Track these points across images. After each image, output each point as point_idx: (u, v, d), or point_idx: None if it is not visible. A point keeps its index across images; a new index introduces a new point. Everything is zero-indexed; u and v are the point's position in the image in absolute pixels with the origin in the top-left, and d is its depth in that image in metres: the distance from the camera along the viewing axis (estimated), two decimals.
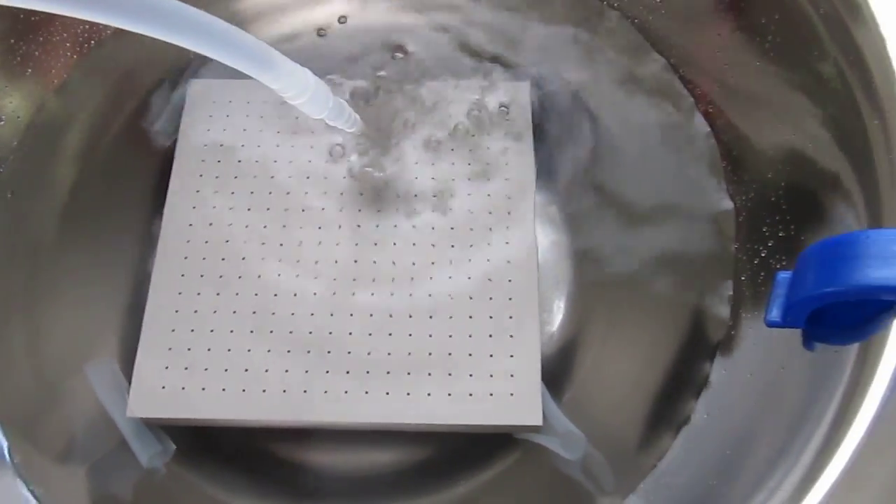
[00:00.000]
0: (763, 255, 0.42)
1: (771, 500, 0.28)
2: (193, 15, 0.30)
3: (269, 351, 0.42)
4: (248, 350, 0.42)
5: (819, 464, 0.26)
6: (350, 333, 0.42)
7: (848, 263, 0.28)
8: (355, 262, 0.44)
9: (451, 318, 0.42)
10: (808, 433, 0.30)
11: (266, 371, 0.41)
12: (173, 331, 0.42)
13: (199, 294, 0.43)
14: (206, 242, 0.44)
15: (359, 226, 0.45)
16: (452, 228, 0.45)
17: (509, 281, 0.43)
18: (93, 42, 0.51)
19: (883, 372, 0.27)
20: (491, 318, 0.42)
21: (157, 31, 0.29)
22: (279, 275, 0.43)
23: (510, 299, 0.43)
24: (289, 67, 0.35)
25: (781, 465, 0.31)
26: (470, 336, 0.42)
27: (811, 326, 0.31)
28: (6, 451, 0.41)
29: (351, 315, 0.43)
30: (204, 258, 0.44)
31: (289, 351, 0.42)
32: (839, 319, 0.30)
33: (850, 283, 0.27)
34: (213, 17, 0.31)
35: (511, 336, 0.42)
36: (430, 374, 0.41)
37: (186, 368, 0.41)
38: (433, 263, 0.44)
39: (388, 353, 0.42)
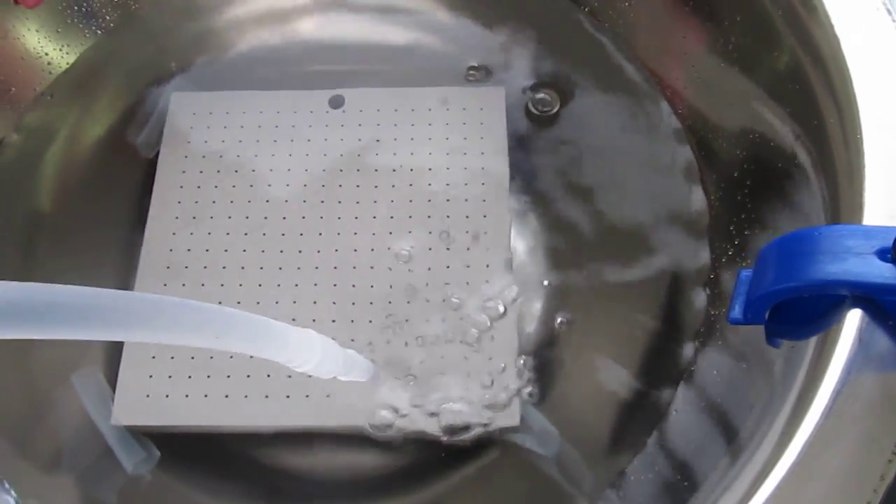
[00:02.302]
0: (730, 253, 0.43)
1: (729, 492, 0.29)
2: (187, 308, 0.28)
3: (251, 357, 0.42)
4: (231, 357, 0.42)
5: (774, 456, 0.27)
6: (333, 338, 0.43)
7: (801, 260, 0.28)
8: (335, 268, 0.45)
9: (428, 321, 0.43)
10: (767, 427, 0.31)
11: (248, 377, 0.42)
12: None
13: None
14: (189, 251, 0.45)
15: (339, 234, 0.45)
16: (430, 232, 0.45)
17: (487, 283, 0.44)
18: (74, 56, 0.52)
19: (834, 366, 0.28)
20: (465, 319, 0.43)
21: (154, 336, 0.27)
22: (260, 284, 0.44)
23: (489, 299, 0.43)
24: (291, 338, 0.33)
25: (743, 458, 0.31)
26: (447, 342, 0.43)
27: (772, 323, 0.31)
28: None
29: (333, 321, 0.43)
30: (186, 267, 0.45)
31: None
32: (798, 315, 0.31)
33: (805, 278, 0.28)
34: (206, 305, 0.29)
35: (492, 338, 0.42)
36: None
37: (170, 376, 0.42)
38: (410, 271, 0.44)
39: (371, 360, 0.42)
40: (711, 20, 0.45)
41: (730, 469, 0.32)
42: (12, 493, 0.41)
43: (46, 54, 0.51)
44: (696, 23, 0.46)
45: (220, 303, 0.43)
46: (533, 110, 0.49)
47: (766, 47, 0.40)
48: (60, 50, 0.52)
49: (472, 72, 0.51)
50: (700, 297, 0.44)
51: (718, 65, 0.45)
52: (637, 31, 0.50)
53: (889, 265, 0.27)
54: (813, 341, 0.31)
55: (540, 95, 0.50)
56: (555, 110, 0.49)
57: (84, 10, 0.52)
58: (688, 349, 0.43)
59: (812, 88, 0.36)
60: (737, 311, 0.31)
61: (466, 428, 0.41)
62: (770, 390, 0.33)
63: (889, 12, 0.34)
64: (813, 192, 0.36)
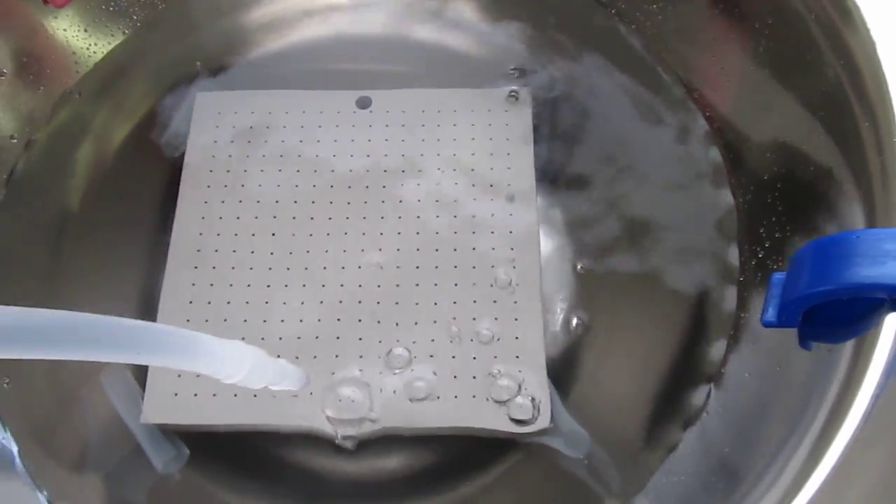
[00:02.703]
0: (760, 255, 0.43)
1: (767, 496, 0.29)
2: (107, 325, 0.28)
3: (278, 357, 0.42)
4: None
5: (813, 459, 0.27)
6: (360, 339, 0.43)
7: (839, 263, 0.28)
8: (359, 267, 0.45)
9: (455, 319, 0.43)
10: (804, 429, 0.31)
11: None
12: None
13: (209, 303, 0.44)
14: (216, 251, 0.45)
15: (364, 233, 0.46)
16: (456, 233, 0.45)
17: (512, 283, 0.44)
18: (101, 54, 0.52)
19: (873, 369, 0.28)
20: (496, 320, 0.43)
21: (73, 353, 0.27)
22: (286, 285, 0.44)
23: (515, 302, 0.43)
24: (218, 351, 0.33)
25: (779, 461, 0.31)
26: (472, 340, 0.43)
27: (806, 326, 0.31)
28: (21, 459, 0.42)
29: (359, 321, 0.43)
30: (214, 267, 0.45)
31: (297, 357, 0.43)
32: (832, 318, 0.31)
33: (842, 281, 0.28)
34: (128, 321, 0.29)
35: (516, 338, 0.43)
36: (435, 373, 0.42)
37: (198, 376, 0.42)
38: (436, 268, 0.45)
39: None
40: (742, 23, 0.45)
41: (766, 473, 0.32)
42: (43, 491, 0.41)
43: (74, 53, 0.52)
44: (726, 26, 0.46)
45: (247, 303, 0.44)
46: (561, 113, 0.49)
47: (799, 51, 0.40)
48: (88, 49, 0.52)
49: (511, 72, 0.51)
50: (729, 299, 0.44)
51: (749, 68, 0.45)
52: (667, 34, 0.50)
53: None
54: (849, 345, 0.31)
55: (565, 95, 0.50)
56: (580, 108, 0.49)
57: (112, 9, 0.52)
58: (718, 350, 0.43)
59: (845, 93, 0.36)
60: (770, 314, 0.31)
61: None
62: (805, 393, 0.33)
63: None
64: (845, 196, 0.36)
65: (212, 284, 0.44)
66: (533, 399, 0.41)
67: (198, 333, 0.32)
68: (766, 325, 0.31)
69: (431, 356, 0.42)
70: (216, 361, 0.33)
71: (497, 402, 0.41)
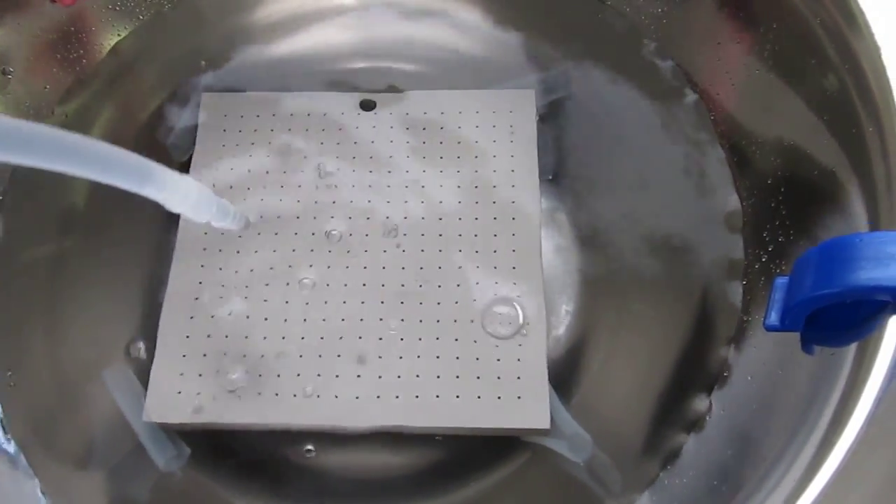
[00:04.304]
0: (763, 259, 0.43)
1: (769, 500, 0.29)
2: (60, 138, 0.30)
3: (280, 355, 0.43)
4: (262, 356, 0.43)
5: (816, 463, 0.27)
6: (360, 338, 0.43)
7: (843, 266, 0.28)
8: (364, 268, 0.45)
9: (456, 321, 0.43)
10: (807, 432, 0.31)
11: (278, 376, 0.42)
12: (188, 337, 0.43)
13: (218, 298, 0.44)
14: (220, 251, 0.45)
15: (367, 235, 0.46)
16: (460, 235, 0.45)
17: (514, 285, 0.44)
18: (105, 53, 0.52)
19: (877, 372, 0.28)
20: (499, 323, 0.43)
21: (23, 159, 0.29)
22: (287, 283, 0.44)
23: (519, 304, 0.44)
24: (170, 179, 0.36)
25: (781, 464, 0.31)
26: (475, 341, 0.43)
27: (809, 329, 0.31)
28: (24, 456, 0.42)
29: (361, 320, 0.43)
30: (220, 268, 0.45)
31: (301, 356, 0.43)
32: (836, 321, 0.31)
33: (846, 284, 0.28)
34: (80, 137, 0.30)
35: (519, 345, 0.43)
36: (438, 377, 0.42)
37: (201, 375, 0.42)
38: (440, 268, 0.45)
39: (399, 357, 0.42)
40: (748, 26, 0.45)
41: (768, 476, 0.32)
42: (44, 487, 0.42)
43: (79, 51, 0.52)
44: (731, 29, 0.46)
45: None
46: (566, 115, 0.49)
47: (804, 55, 0.40)
48: (93, 47, 0.52)
49: (516, 74, 0.51)
50: (733, 302, 0.44)
51: (755, 71, 0.45)
52: (673, 36, 0.50)
53: None
54: (852, 348, 0.31)
55: (570, 96, 0.50)
56: (585, 109, 0.50)
57: (118, 8, 0.52)
58: (721, 354, 0.43)
59: (850, 98, 0.36)
60: (773, 318, 0.31)
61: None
62: (808, 397, 0.33)
63: None
64: (849, 200, 0.36)
65: (223, 286, 0.44)
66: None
67: (151, 162, 0.34)
68: (769, 328, 0.31)
69: (437, 357, 0.42)
70: (166, 188, 0.36)
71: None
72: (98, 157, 0.32)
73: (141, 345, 0.45)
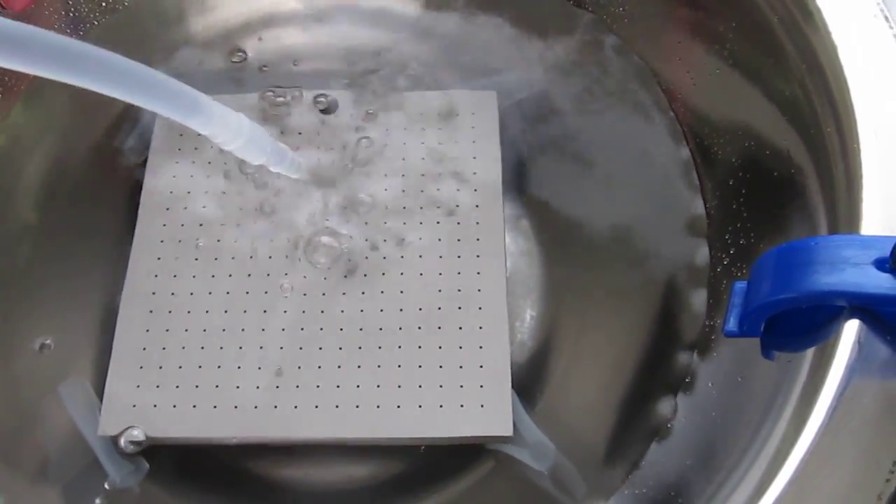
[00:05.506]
0: (726, 262, 0.42)
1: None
2: (113, 61, 0.29)
3: (239, 367, 0.42)
4: (219, 367, 0.42)
5: (770, 474, 0.26)
6: (320, 348, 0.42)
7: (799, 270, 0.28)
8: (324, 279, 0.44)
9: (420, 329, 0.42)
10: (762, 443, 0.30)
11: (237, 387, 0.41)
12: (144, 349, 0.42)
13: (169, 312, 0.43)
14: (176, 259, 0.44)
15: (330, 236, 0.45)
16: (420, 238, 0.45)
17: (479, 291, 0.43)
18: None
19: (833, 376, 0.27)
20: (460, 328, 0.42)
21: (75, 78, 0.28)
22: (247, 292, 0.44)
23: (480, 309, 0.43)
24: (218, 112, 0.34)
25: (737, 475, 0.31)
26: (440, 347, 0.42)
27: (768, 335, 0.31)
28: None
29: (321, 329, 0.43)
30: (174, 276, 0.44)
31: (259, 367, 0.42)
32: (794, 326, 0.31)
33: (801, 289, 0.28)
34: (134, 63, 0.30)
35: (481, 347, 0.42)
36: (399, 387, 0.41)
37: (158, 386, 0.41)
38: (402, 274, 0.44)
39: (358, 367, 0.42)
40: (708, 24, 0.44)
41: (724, 486, 0.31)
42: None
43: None
44: (691, 27, 0.45)
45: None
46: (526, 110, 0.49)
47: (764, 53, 0.40)
48: None
49: (480, 73, 0.50)
50: (697, 307, 0.43)
51: (716, 70, 0.44)
52: (636, 35, 0.50)
53: (887, 275, 0.27)
54: (810, 353, 0.31)
55: (533, 97, 0.49)
56: (549, 110, 0.49)
57: (72, 14, 0.51)
58: (685, 359, 0.42)
59: (810, 96, 0.36)
60: (732, 324, 0.31)
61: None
62: (767, 404, 0.33)
63: (887, 20, 0.34)
64: (810, 201, 0.36)
65: (172, 293, 0.44)
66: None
67: (200, 94, 0.33)
68: (728, 335, 0.31)
69: (399, 366, 0.42)
70: (213, 121, 0.34)
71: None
72: (143, 81, 0.30)
73: (98, 359, 0.43)
